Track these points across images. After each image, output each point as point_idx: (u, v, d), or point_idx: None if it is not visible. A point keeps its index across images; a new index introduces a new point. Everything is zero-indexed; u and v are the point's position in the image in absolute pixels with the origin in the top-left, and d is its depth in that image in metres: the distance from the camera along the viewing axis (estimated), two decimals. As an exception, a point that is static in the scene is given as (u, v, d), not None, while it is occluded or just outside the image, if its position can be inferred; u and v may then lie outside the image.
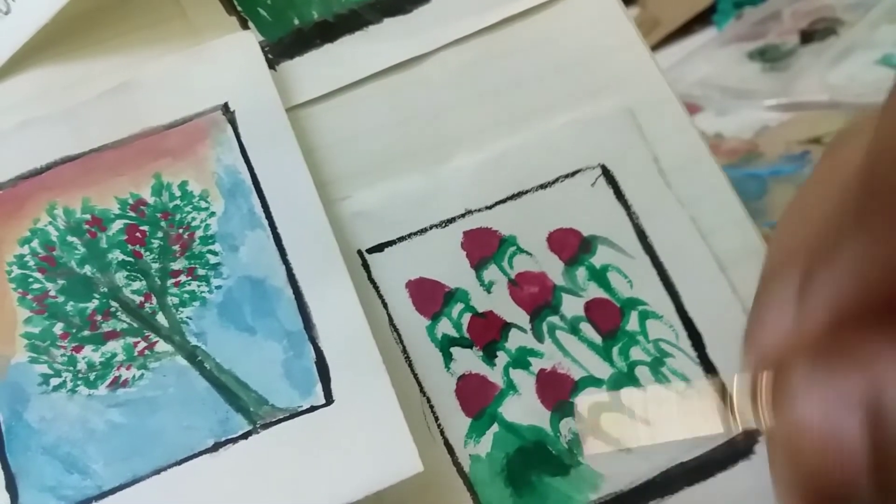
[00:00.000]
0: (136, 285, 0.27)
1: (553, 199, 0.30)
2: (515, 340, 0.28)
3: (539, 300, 0.29)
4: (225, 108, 0.29)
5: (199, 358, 0.26)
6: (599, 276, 0.29)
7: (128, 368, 0.26)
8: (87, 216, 0.28)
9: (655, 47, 0.32)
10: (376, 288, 0.28)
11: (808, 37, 0.61)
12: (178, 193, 0.28)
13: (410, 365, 0.28)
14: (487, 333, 0.28)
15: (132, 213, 0.28)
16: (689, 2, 0.68)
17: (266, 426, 0.26)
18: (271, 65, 0.30)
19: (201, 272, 0.27)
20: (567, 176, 0.30)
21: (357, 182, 0.30)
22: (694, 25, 0.69)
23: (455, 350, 0.28)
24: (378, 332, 0.27)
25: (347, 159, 0.30)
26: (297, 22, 0.31)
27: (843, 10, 0.62)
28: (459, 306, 0.29)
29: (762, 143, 0.55)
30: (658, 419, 0.28)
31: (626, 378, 0.28)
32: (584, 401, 0.27)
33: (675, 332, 0.29)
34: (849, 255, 0.16)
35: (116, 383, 0.26)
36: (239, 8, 0.31)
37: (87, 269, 0.27)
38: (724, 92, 0.61)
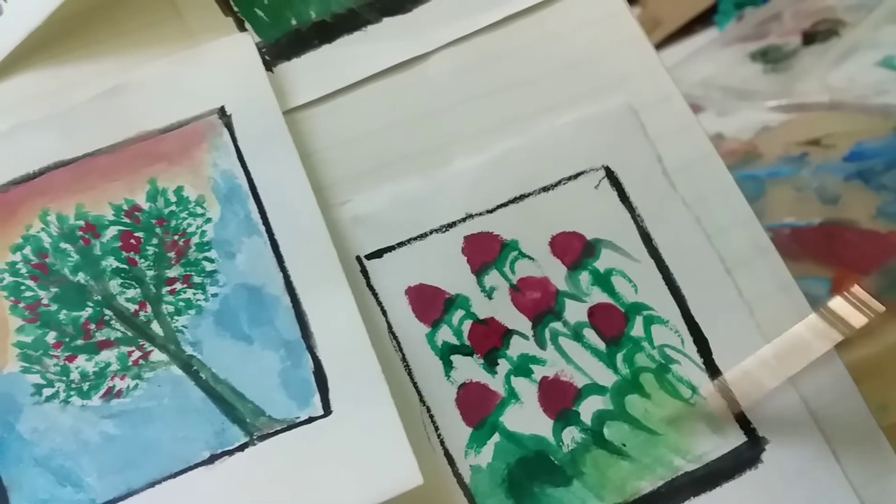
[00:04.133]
0: (131, 293, 0.27)
1: (556, 201, 0.29)
2: (517, 347, 0.28)
3: (541, 306, 0.28)
4: (221, 111, 0.29)
5: (195, 368, 0.26)
6: (603, 280, 0.29)
7: (122, 378, 0.26)
8: (81, 222, 0.28)
9: (656, 47, 0.32)
10: (375, 295, 0.28)
11: (809, 38, 0.61)
12: (173, 199, 0.28)
13: (410, 373, 0.27)
14: (488, 340, 0.28)
15: (126, 220, 0.28)
16: (690, 2, 0.68)
17: (263, 438, 0.25)
18: (268, 66, 0.30)
19: (197, 280, 0.27)
20: (570, 178, 0.30)
21: (356, 186, 0.29)
22: (695, 26, 0.68)
23: (455, 358, 0.28)
24: (377, 340, 0.26)
25: (346, 163, 0.29)
26: (294, 22, 0.31)
27: (844, 12, 0.61)
28: (460, 313, 0.28)
29: (761, 145, 0.55)
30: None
31: (630, 385, 0.28)
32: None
33: (680, 338, 0.28)
34: None
35: (110, 394, 0.26)
36: (235, 8, 0.31)
37: (81, 277, 0.27)
38: (726, 92, 0.61)
